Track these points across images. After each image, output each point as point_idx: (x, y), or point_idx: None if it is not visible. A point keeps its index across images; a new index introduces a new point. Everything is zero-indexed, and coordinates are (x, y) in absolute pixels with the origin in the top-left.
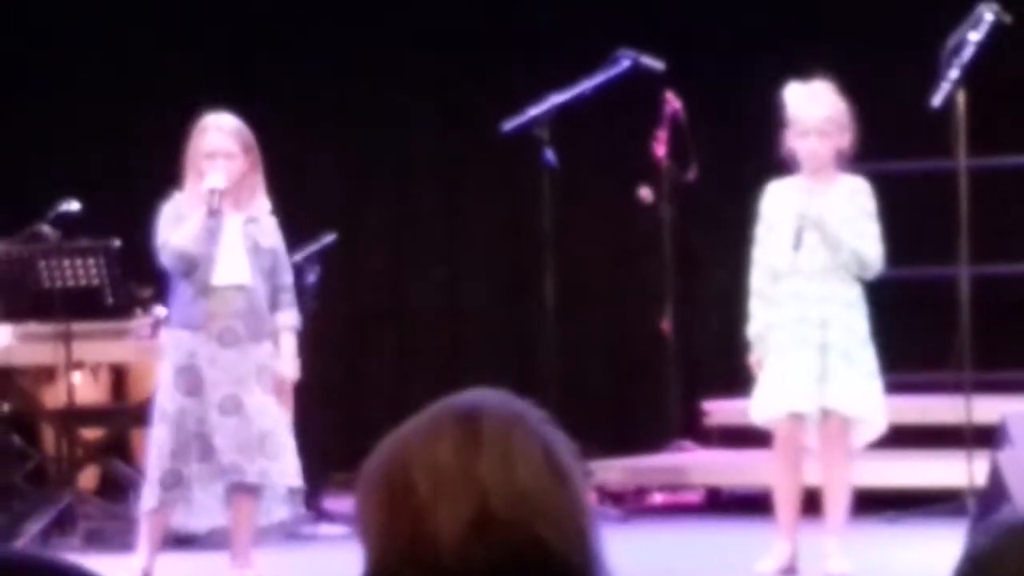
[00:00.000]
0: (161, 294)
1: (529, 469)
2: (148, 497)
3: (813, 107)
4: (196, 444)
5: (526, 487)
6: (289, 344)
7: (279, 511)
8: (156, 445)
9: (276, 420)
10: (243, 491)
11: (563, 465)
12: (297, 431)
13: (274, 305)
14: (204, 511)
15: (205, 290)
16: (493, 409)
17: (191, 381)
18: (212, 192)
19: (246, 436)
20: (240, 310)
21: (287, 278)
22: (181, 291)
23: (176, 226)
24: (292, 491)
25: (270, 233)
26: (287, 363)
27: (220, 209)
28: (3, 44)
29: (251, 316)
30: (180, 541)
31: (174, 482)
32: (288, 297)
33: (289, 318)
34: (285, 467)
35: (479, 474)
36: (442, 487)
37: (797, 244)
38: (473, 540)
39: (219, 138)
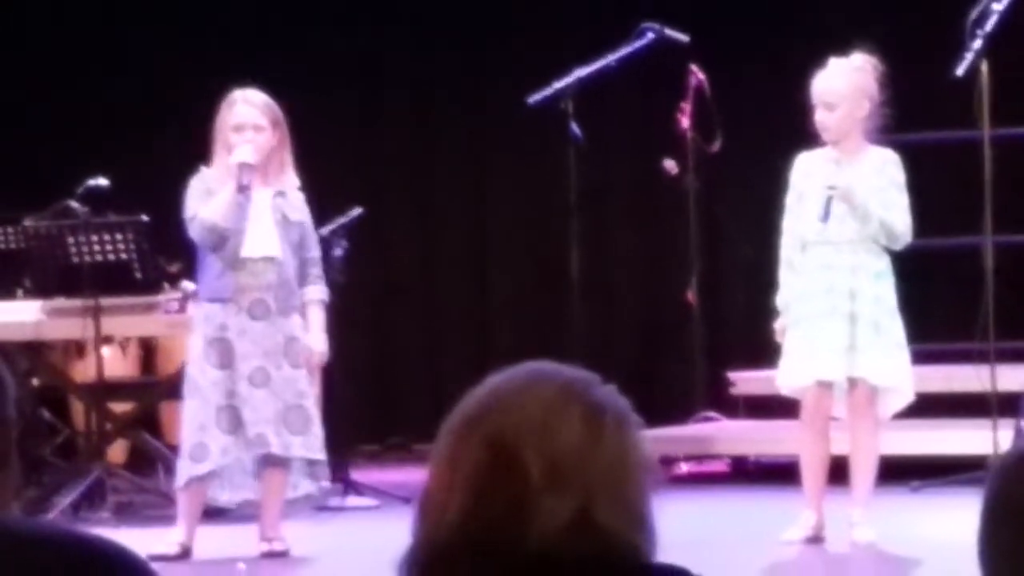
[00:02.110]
0: (190, 268)
1: (637, 478)
2: (182, 472)
3: (821, 80)
4: (226, 416)
5: (632, 497)
6: (318, 318)
7: (305, 485)
8: (188, 419)
9: (302, 394)
10: (273, 464)
11: (652, 474)
12: (324, 404)
13: (303, 279)
14: (233, 484)
15: (235, 263)
16: (611, 404)
17: (222, 354)
18: (242, 167)
19: (273, 409)
20: (270, 282)
21: (315, 252)
22: (210, 264)
23: (205, 200)
24: (315, 465)
25: (298, 207)
26: (316, 337)
27: (249, 184)
28: (33, 23)
29: (281, 289)
30: (209, 514)
31: (203, 455)
32: (316, 271)
33: (318, 292)
34: (309, 441)
35: (592, 475)
36: (554, 478)
37: (825, 215)
38: (567, 537)
39: (247, 111)
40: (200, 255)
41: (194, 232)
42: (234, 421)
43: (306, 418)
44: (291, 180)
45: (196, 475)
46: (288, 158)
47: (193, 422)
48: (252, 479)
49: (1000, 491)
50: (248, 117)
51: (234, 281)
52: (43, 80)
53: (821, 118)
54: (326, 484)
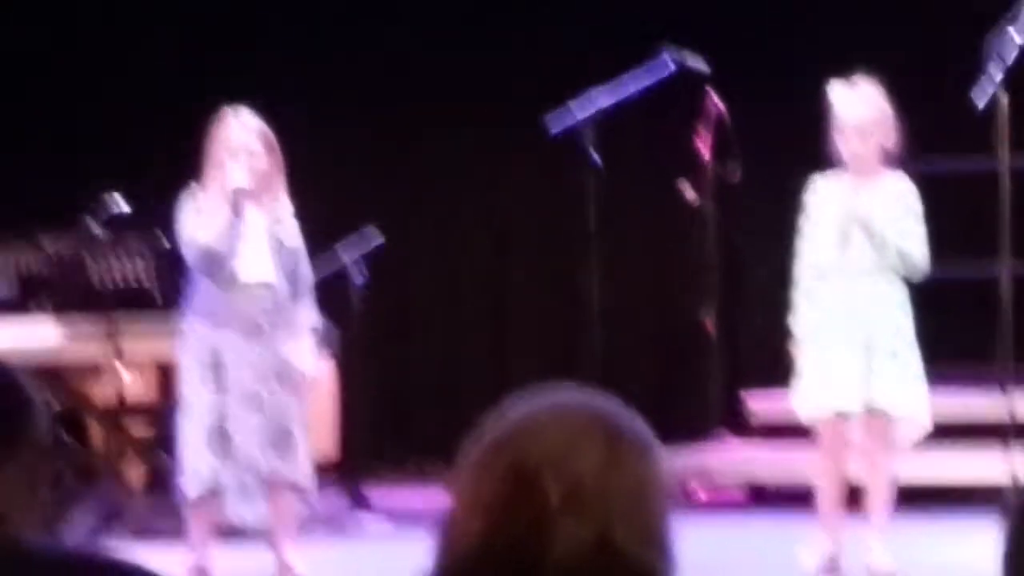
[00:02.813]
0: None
1: (657, 506)
2: (183, 494)
3: (854, 107)
4: (216, 438)
5: (652, 522)
6: (308, 342)
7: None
8: (183, 441)
9: (292, 419)
10: (279, 487)
11: (673, 501)
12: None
13: (295, 304)
14: (229, 506)
15: (231, 286)
16: (633, 431)
17: (215, 375)
18: (237, 192)
19: (263, 432)
20: (265, 307)
21: (307, 278)
22: (205, 286)
23: (198, 220)
24: (303, 490)
25: (292, 233)
26: (307, 361)
27: (244, 210)
28: (55, 42)
29: (276, 314)
30: (227, 535)
31: (194, 477)
32: (308, 297)
33: (309, 318)
34: (293, 466)
35: (612, 499)
36: (572, 502)
37: (844, 243)
38: (587, 562)
39: (243, 134)
40: (192, 276)
41: (189, 256)
42: (224, 443)
43: (293, 443)
44: (285, 205)
45: (189, 497)
46: (282, 184)
47: (187, 444)
48: (242, 502)
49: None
50: (243, 140)
51: (230, 304)
52: (61, 99)
53: (856, 146)
54: (316, 507)
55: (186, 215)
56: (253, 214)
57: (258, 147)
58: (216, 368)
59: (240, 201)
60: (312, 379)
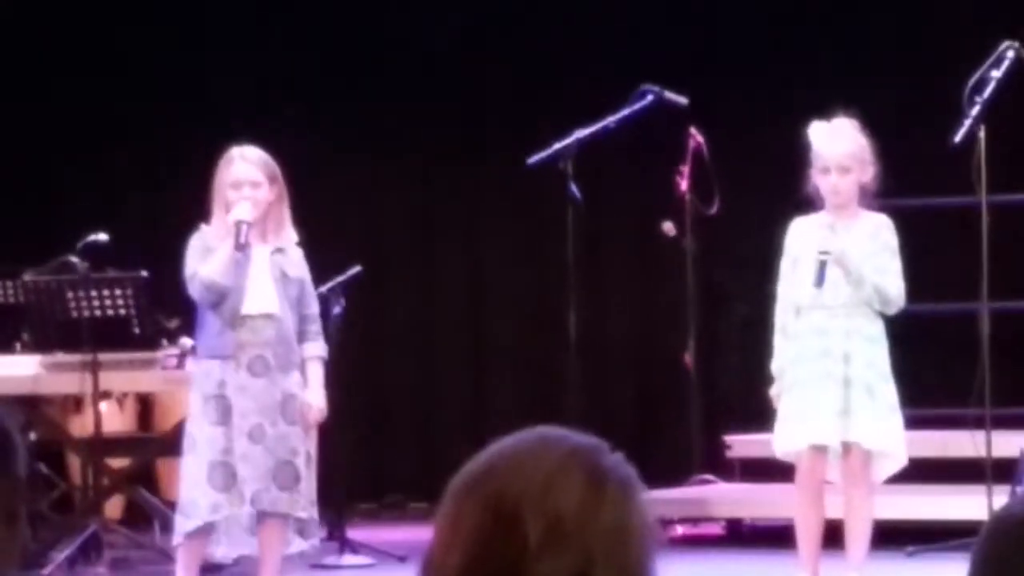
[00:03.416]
0: (188, 324)
1: (638, 546)
2: (176, 528)
3: (834, 144)
4: (219, 473)
5: (633, 564)
6: (317, 374)
7: (297, 542)
8: (184, 475)
9: (294, 451)
10: (270, 519)
11: (655, 544)
12: (321, 462)
13: (301, 335)
14: (230, 539)
15: (234, 320)
16: (616, 471)
17: (220, 410)
18: (239, 224)
19: (266, 466)
20: (270, 339)
21: (314, 308)
22: (210, 322)
23: (204, 258)
24: (304, 522)
25: (297, 263)
26: (315, 393)
27: (248, 242)
28: (34, 76)
29: (280, 345)
30: (207, 569)
31: (193, 511)
32: (315, 328)
33: (317, 348)
34: (295, 499)
35: (592, 537)
36: (552, 540)
37: (820, 280)
38: None
39: (245, 168)
40: (199, 312)
41: (194, 290)
42: (228, 478)
43: (295, 475)
44: (289, 236)
45: (185, 531)
46: (286, 214)
47: (188, 478)
48: (248, 535)
49: (991, 552)
50: (245, 174)
51: (234, 338)
52: (44, 136)
53: (837, 182)
54: (316, 542)
55: (192, 252)
56: (257, 246)
57: (261, 178)
58: (220, 402)
59: (243, 233)
60: (321, 409)
